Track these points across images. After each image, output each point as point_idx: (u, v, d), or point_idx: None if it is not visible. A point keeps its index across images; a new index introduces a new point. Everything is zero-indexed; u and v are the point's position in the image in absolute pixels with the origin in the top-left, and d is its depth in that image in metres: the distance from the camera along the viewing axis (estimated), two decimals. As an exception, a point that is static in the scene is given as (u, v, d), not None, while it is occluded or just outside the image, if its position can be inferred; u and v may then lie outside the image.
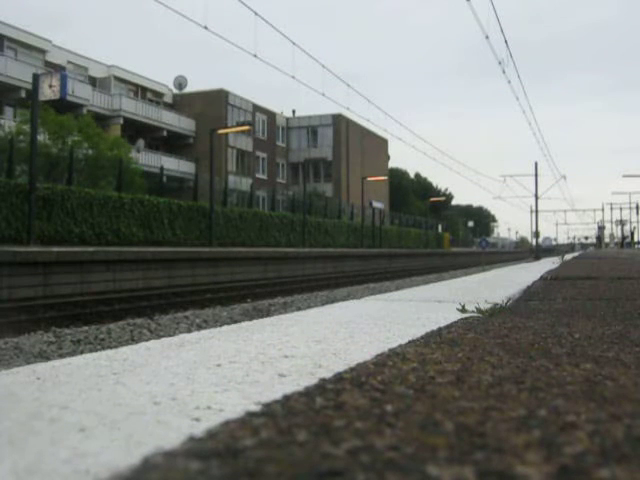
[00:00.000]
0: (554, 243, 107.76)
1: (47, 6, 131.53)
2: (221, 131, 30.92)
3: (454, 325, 2.25)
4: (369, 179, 42.19)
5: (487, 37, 20.30)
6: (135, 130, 37.95)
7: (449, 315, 2.62)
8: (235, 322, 4.89)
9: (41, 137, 22.41)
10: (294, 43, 20.66)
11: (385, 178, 52.49)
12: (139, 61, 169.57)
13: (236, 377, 1.34)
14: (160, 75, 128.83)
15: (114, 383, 1.29)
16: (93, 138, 25.09)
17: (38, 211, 16.11)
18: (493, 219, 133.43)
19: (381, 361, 1.48)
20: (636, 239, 71.05)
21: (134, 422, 0.98)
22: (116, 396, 1.17)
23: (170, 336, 2.12)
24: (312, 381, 1.27)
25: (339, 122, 52.16)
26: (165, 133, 40.78)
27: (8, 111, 30.61)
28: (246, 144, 45.69)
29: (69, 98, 22.79)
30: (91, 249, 14.91)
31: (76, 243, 17.34)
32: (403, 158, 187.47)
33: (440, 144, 53.03)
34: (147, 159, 34.87)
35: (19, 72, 30.13)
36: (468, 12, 19.89)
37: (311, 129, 53.01)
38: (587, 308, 2.96)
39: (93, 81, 37.13)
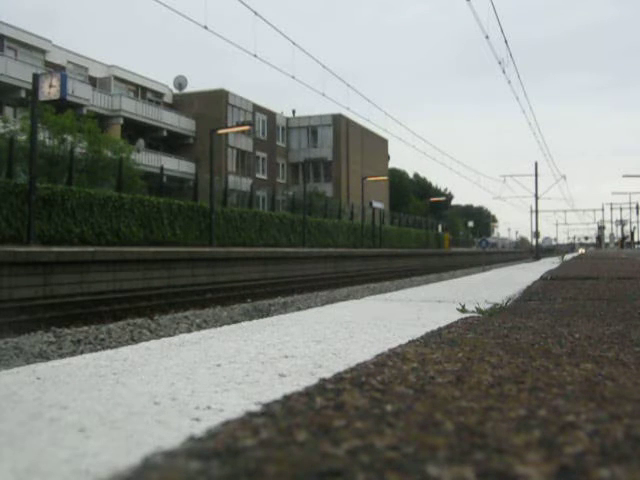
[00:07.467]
0: (554, 243, 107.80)
1: (42, 4, 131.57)
2: (221, 131, 30.91)
3: (454, 325, 2.25)
4: (369, 179, 42.17)
5: (487, 37, 20.31)
6: (135, 130, 37.93)
7: (449, 315, 2.62)
8: (235, 322, 4.89)
9: (41, 136, 22.40)
10: (294, 43, 20.64)
11: (385, 178, 52.46)
12: (139, 61, 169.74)
13: (236, 377, 1.34)
14: (160, 75, 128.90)
15: (114, 383, 1.29)
16: (95, 140, 25.07)
17: (38, 211, 16.10)
18: (493, 219, 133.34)
19: (381, 361, 1.48)
20: (636, 239, 71.01)
21: (134, 422, 0.98)
22: (116, 396, 1.17)
23: (170, 336, 2.12)
24: (312, 381, 1.27)
25: (339, 122, 52.13)
26: (165, 133, 40.75)
27: (8, 111, 30.60)
28: (246, 144, 45.67)
29: (69, 98, 22.75)
30: (91, 249, 14.91)
31: (76, 243, 17.34)
32: (403, 158, 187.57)
33: (440, 144, 53.06)
34: (147, 159, 34.83)
35: (19, 72, 30.10)
36: (468, 12, 19.89)
37: (311, 129, 52.97)
38: (587, 308, 2.96)
39: (93, 81, 37.10)
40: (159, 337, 2.53)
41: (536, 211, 46.72)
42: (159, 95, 42.88)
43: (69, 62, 35.98)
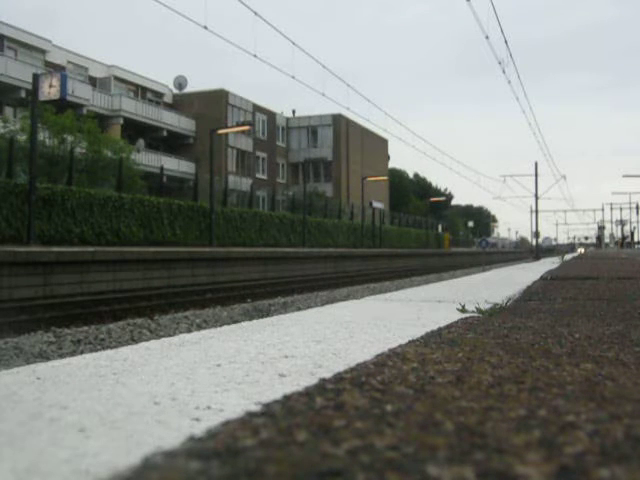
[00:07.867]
0: (554, 243, 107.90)
1: (42, 4, 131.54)
2: (221, 131, 30.90)
3: (454, 325, 2.25)
4: (369, 179, 42.17)
5: (487, 37, 20.31)
6: (135, 130, 37.93)
7: (449, 315, 2.62)
8: (235, 322, 4.89)
9: (41, 136, 22.40)
10: (294, 43, 20.64)
11: (385, 178, 52.46)
12: (139, 61, 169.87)
13: (236, 377, 1.34)
14: (160, 75, 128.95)
15: (114, 383, 1.29)
16: (95, 140, 25.06)
17: (38, 211, 16.10)
18: (493, 219, 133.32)
19: (381, 361, 1.48)
20: (636, 239, 70.99)
21: (134, 422, 0.98)
22: (116, 396, 1.17)
23: (170, 336, 2.12)
24: (312, 381, 1.27)
25: (339, 122, 52.12)
26: (165, 133, 40.75)
27: (8, 111, 30.59)
28: (246, 144, 45.67)
29: (69, 98, 22.72)
30: (91, 249, 14.91)
31: (76, 243, 17.34)
32: (403, 158, 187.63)
33: (440, 144, 53.09)
34: (147, 159, 34.82)
35: (19, 72, 30.10)
36: (468, 12, 19.89)
37: (311, 129, 52.96)
38: (587, 308, 2.96)
39: (93, 81, 37.10)
40: (159, 337, 2.53)
41: (536, 211, 46.74)
42: (159, 95, 42.87)
43: (69, 62, 35.97)
